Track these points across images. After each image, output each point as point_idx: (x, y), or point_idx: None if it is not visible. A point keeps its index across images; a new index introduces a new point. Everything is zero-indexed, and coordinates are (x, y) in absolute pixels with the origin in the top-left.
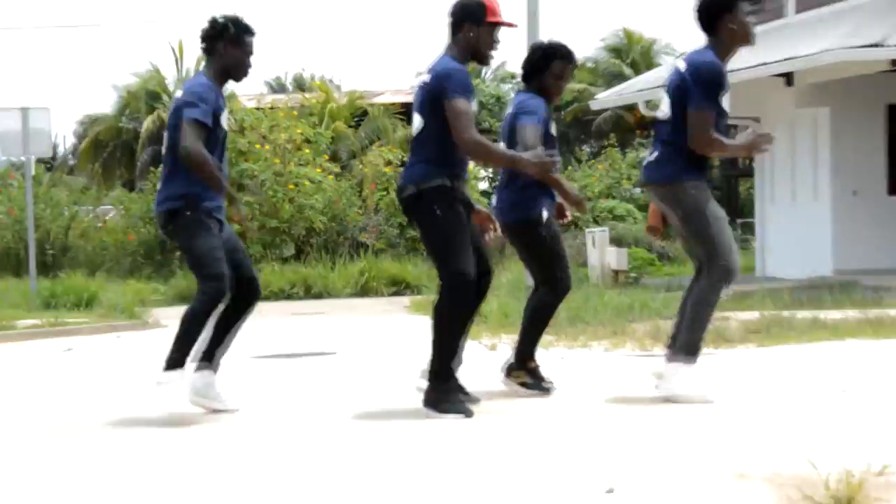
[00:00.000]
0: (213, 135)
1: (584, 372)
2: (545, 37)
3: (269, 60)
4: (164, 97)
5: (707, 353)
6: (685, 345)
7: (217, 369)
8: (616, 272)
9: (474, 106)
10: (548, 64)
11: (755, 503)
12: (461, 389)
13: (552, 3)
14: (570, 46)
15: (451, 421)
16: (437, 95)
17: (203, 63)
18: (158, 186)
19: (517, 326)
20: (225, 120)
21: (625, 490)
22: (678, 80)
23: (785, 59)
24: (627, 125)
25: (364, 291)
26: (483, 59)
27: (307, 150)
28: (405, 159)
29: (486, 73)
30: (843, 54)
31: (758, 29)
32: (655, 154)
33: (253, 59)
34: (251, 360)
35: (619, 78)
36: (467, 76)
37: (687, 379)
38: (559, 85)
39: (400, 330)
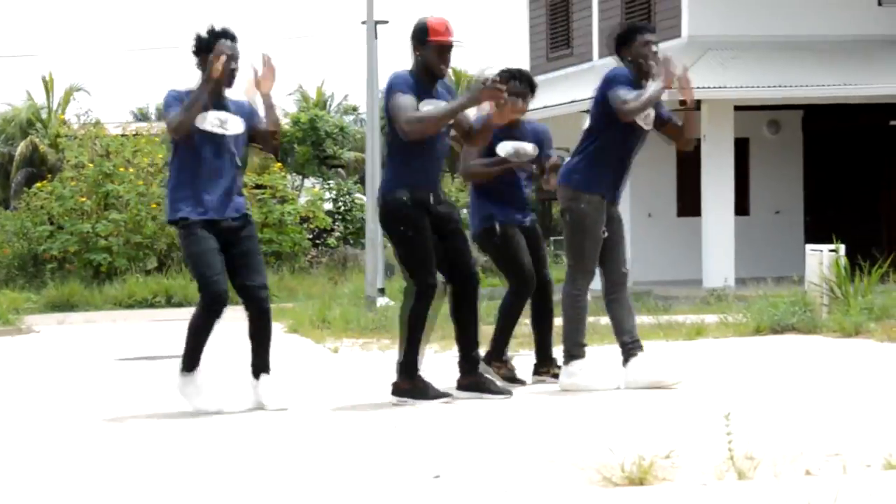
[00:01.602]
0: (189, 139)
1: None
2: (383, 71)
3: (133, 92)
4: (38, 124)
5: (519, 355)
6: (572, 346)
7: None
8: (445, 283)
9: (406, 100)
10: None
11: (563, 484)
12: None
13: (387, 38)
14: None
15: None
16: (385, 110)
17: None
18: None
19: (357, 331)
20: (207, 122)
21: (450, 476)
22: (595, 95)
23: (591, 98)
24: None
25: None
26: (435, 74)
27: (168, 174)
28: (259, 183)
29: (331, 106)
30: None
31: (568, 71)
32: (573, 160)
33: (235, 61)
34: (115, 363)
35: None
36: (403, 78)
37: (587, 371)
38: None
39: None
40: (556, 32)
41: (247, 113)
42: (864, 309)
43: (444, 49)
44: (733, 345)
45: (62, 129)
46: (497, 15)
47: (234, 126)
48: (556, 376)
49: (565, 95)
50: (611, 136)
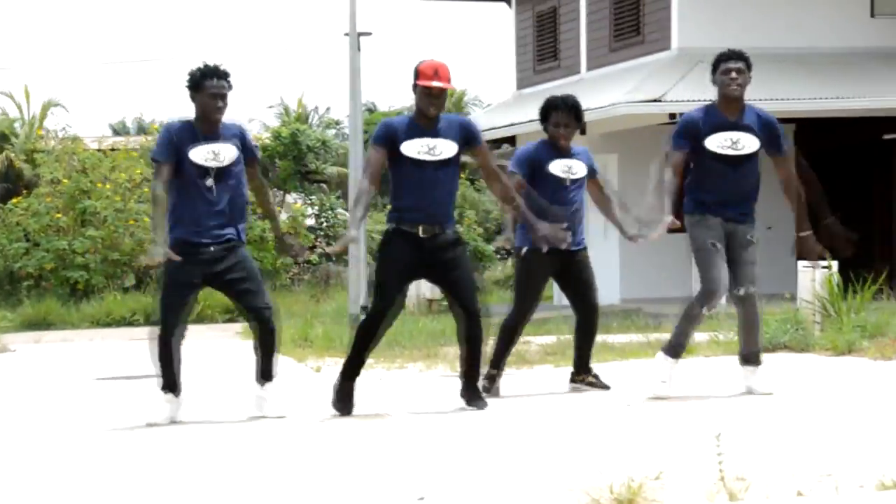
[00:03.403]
0: (183, 169)
1: (400, 391)
2: (367, 90)
3: (110, 105)
4: (14, 139)
5: (509, 374)
6: (672, 346)
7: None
8: (430, 301)
9: (372, 156)
10: (547, 116)
11: None
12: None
13: (370, 50)
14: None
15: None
16: None
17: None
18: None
19: (340, 350)
20: (200, 155)
21: (434, 497)
22: None
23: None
24: None
25: (200, 319)
26: (422, 113)
27: (146, 189)
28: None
29: (312, 120)
30: (628, 108)
31: (555, 83)
32: None
33: (222, 100)
34: (95, 382)
35: None
36: (382, 125)
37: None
38: (556, 132)
39: (226, 353)
40: (544, 45)
41: (238, 137)
42: (856, 326)
43: (427, 92)
44: (724, 363)
45: (38, 145)
46: (483, 27)
47: (227, 154)
48: (590, 384)
49: None
50: (697, 165)
